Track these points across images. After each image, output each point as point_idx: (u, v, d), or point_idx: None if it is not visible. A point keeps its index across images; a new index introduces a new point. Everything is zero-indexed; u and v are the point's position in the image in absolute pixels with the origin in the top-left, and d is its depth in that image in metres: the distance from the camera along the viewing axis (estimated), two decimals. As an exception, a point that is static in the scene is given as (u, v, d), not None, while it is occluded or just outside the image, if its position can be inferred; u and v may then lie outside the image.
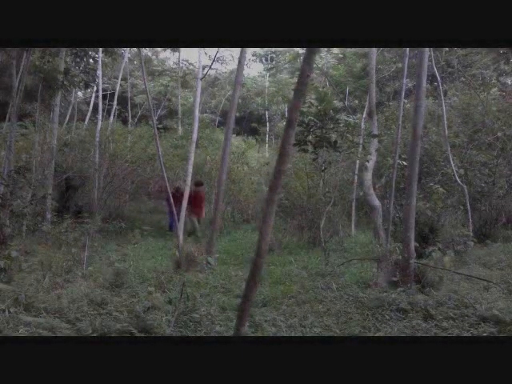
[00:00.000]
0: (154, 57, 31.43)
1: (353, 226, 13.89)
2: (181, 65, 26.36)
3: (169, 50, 28.92)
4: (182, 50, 25.77)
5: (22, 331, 4.06)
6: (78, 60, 14.35)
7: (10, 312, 4.48)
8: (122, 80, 22.07)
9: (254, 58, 30.78)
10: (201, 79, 12.59)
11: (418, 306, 5.42)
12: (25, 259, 6.59)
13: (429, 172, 12.31)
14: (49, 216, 10.63)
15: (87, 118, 22.04)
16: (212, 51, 20.80)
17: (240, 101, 25.19)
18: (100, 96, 17.25)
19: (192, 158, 10.60)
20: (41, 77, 11.50)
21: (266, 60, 31.45)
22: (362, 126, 13.09)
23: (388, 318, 5.23)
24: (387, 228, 8.80)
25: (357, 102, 21.16)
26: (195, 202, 12.57)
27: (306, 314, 5.31)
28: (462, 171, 12.13)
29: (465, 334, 4.60)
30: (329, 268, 8.06)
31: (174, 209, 9.27)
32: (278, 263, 9.07)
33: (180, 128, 21.72)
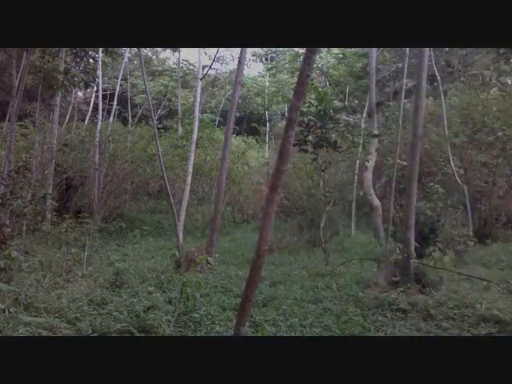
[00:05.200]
0: (154, 57, 31.38)
1: (353, 225, 13.90)
2: (181, 65, 26.36)
3: (169, 50, 28.89)
4: (182, 50, 25.77)
5: (22, 331, 4.06)
6: (78, 60, 14.36)
7: (10, 312, 4.48)
8: (122, 80, 22.07)
9: (254, 58, 30.73)
10: (201, 79, 12.60)
11: (418, 306, 5.42)
12: (25, 259, 6.59)
13: (429, 172, 12.31)
14: (49, 216, 10.63)
15: (87, 118, 22.05)
16: (212, 51, 20.80)
17: (240, 101, 25.17)
18: (100, 96, 17.26)
19: (192, 158, 10.61)
20: (41, 77, 11.49)
21: (266, 60, 31.39)
22: (362, 125, 13.11)
23: (388, 317, 5.23)
24: (387, 228, 8.80)
25: (357, 101, 21.13)
26: None
27: (305, 314, 5.31)
28: (461, 171, 12.14)
29: (465, 334, 4.61)
30: (329, 268, 8.06)
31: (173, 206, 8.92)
32: (278, 263, 9.07)
33: (180, 128, 21.72)
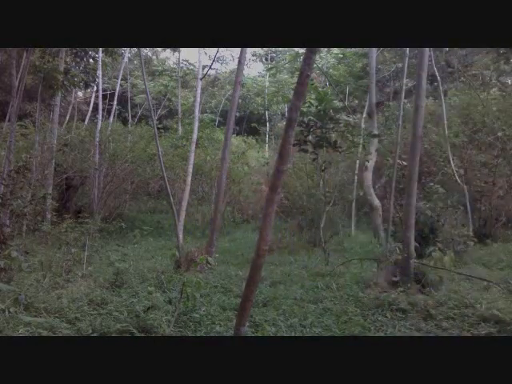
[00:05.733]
0: (154, 57, 31.39)
1: (353, 225, 13.90)
2: (181, 65, 26.36)
3: (169, 50, 28.91)
4: (182, 49, 25.77)
5: (22, 331, 4.06)
6: (78, 60, 14.36)
7: (9, 312, 4.48)
8: (122, 80, 22.07)
9: (254, 58, 30.76)
10: (201, 79, 12.60)
11: (418, 306, 5.42)
12: (25, 259, 6.59)
13: (429, 172, 12.32)
14: (49, 216, 10.63)
15: (87, 118, 22.05)
16: (212, 51, 20.81)
17: (240, 101, 25.16)
18: (100, 96, 17.26)
19: (192, 158, 10.61)
20: (41, 77, 11.49)
21: (266, 60, 31.41)
22: (362, 125, 13.11)
23: (388, 317, 5.23)
24: (387, 228, 8.80)
25: (357, 101, 21.15)
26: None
27: (305, 314, 5.31)
28: (461, 171, 12.14)
29: (465, 334, 4.61)
30: (329, 268, 8.06)
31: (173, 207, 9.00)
32: (278, 263, 9.07)
33: (180, 128, 21.72)
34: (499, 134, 12.04)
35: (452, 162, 11.70)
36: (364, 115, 14.52)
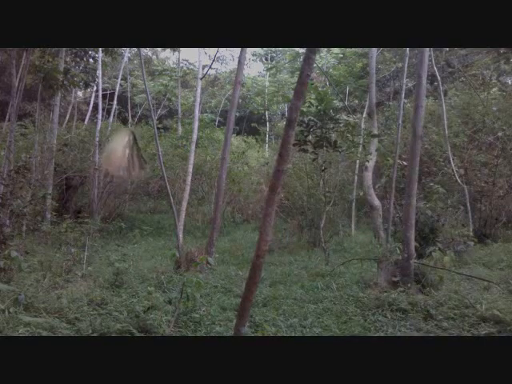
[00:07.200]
0: (154, 57, 31.37)
1: (353, 225, 13.89)
2: (181, 65, 26.34)
3: (169, 50, 28.87)
4: (182, 49, 25.75)
5: (22, 331, 4.06)
6: (78, 60, 14.36)
7: (9, 312, 4.48)
8: (121, 80, 22.03)
9: (254, 57, 30.75)
10: (201, 79, 12.59)
11: (418, 306, 5.43)
12: (25, 259, 6.58)
13: (429, 172, 12.31)
14: (49, 216, 10.63)
15: (87, 117, 22.01)
16: (212, 51, 20.79)
17: (240, 101, 25.16)
18: (100, 96, 17.23)
19: (192, 158, 10.61)
20: (41, 77, 11.49)
21: (266, 60, 31.38)
22: (362, 125, 13.11)
23: (388, 318, 5.23)
24: (387, 228, 8.80)
25: (357, 101, 21.14)
26: None
27: (305, 314, 5.31)
28: (462, 171, 12.14)
29: (465, 334, 4.60)
30: (329, 268, 8.07)
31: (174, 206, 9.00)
32: (278, 263, 9.07)
33: (180, 128, 21.71)
34: (499, 134, 12.03)
35: (452, 162, 11.70)
36: (364, 115, 14.51)
